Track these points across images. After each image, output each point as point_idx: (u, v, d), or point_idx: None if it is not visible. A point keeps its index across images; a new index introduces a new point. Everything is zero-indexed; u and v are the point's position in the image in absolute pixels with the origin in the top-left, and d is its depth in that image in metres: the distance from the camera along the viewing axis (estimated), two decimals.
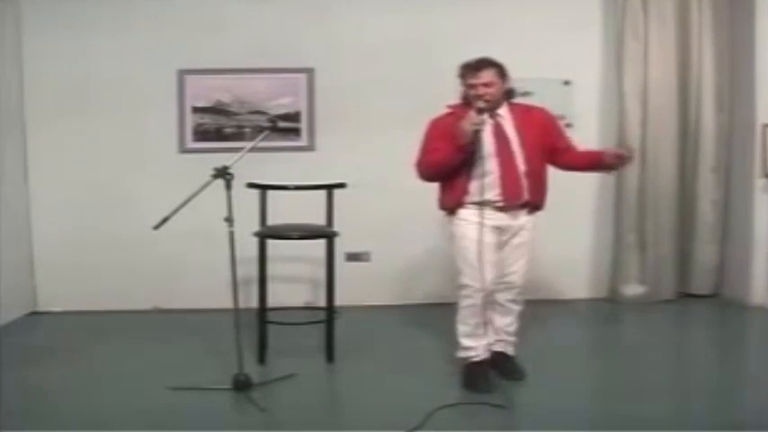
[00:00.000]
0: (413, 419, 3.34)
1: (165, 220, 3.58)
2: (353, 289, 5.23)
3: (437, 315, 5.25)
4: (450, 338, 4.68)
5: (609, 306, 5.64)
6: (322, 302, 4.46)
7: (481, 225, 3.65)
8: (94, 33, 5.44)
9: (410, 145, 5.44)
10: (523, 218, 3.77)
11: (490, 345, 3.88)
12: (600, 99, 5.71)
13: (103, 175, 5.50)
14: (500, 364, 3.93)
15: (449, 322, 5.12)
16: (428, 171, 3.80)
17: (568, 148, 3.87)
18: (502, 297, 3.86)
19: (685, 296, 5.72)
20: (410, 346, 4.61)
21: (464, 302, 3.77)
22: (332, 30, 5.52)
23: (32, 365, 4.23)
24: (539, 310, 5.37)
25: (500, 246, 3.76)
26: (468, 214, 3.71)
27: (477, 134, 3.57)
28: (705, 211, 5.66)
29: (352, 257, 5.50)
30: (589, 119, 5.66)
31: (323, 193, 4.38)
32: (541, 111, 3.89)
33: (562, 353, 4.45)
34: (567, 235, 5.63)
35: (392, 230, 5.48)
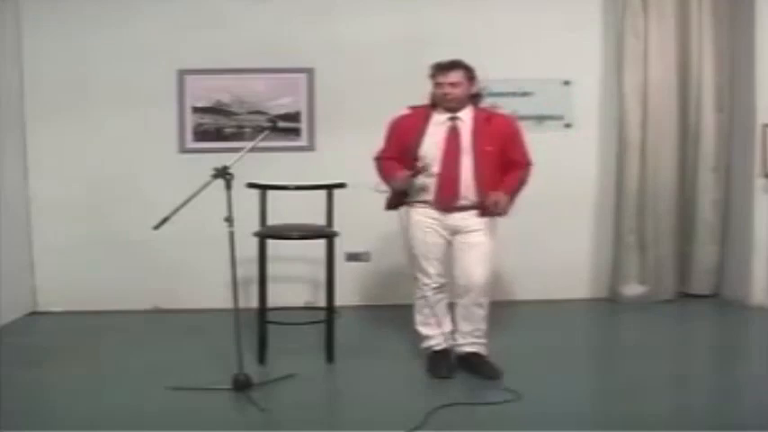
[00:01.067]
0: (413, 419, 3.34)
1: (165, 220, 3.58)
2: (353, 289, 5.23)
3: None
4: None
5: (609, 306, 5.64)
6: (322, 302, 4.46)
7: (426, 221, 3.87)
8: (94, 33, 5.44)
9: None
10: (471, 220, 3.86)
11: (460, 346, 3.98)
12: (600, 99, 5.70)
13: (103, 175, 5.50)
14: (474, 365, 3.96)
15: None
16: (379, 173, 4.05)
17: (512, 165, 3.91)
18: (462, 302, 3.91)
19: (685, 296, 5.72)
20: (410, 347, 4.60)
21: (416, 294, 4.01)
22: (332, 30, 5.52)
23: (32, 365, 4.23)
24: (539, 310, 5.40)
25: (451, 245, 3.90)
26: (412, 212, 3.91)
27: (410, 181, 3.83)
28: (705, 211, 5.66)
29: (352, 257, 5.50)
30: (589, 119, 5.66)
31: (323, 193, 4.37)
32: (505, 118, 4.01)
33: (562, 353, 4.45)
34: (567, 235, 5.63)
35: (392, 230, 5.46)
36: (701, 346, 4.78)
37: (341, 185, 4.37)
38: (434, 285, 3.94)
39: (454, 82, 3.83)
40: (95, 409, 3.56)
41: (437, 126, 3.88)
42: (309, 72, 5.55)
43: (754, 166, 5.38)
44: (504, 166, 3.88)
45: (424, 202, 3.88)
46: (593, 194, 5.75)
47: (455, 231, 3.88)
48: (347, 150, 5.44)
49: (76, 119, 5.47)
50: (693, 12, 5.54)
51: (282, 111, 5.54)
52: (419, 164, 3.79)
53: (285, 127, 5.47)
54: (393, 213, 5.39)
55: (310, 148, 5.59)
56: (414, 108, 3.99)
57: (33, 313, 5.49)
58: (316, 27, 5.52)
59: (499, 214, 3.83)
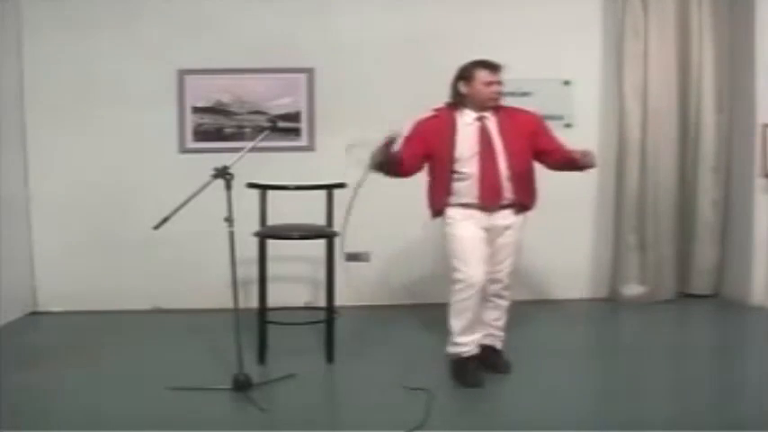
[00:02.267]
0: (413, 419, 3.34)
1: (165, 220, 3.58)
2: (353, 289, 5.23)
3: (437, 315, 5.24)
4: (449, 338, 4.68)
5: (609, 306, 5.64)
6: (322, 302, 4.45)
7: (469, 222, 3.79)
8: (94, 33, 5.44)
9: None
10: (510, 218, 3.86)
11: (481, 341, 3.97)
12: (600, 99, 5.71)
13: (104, 175, 5.50)
14: (488, 358, 3.99)
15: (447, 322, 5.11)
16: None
17: (556, 149, 3.91)
18: (490, 289, 3.92)
19: (685, 296, 5.72)
20: (410, 347, 4.61)
21: (457, 297, 3.83)
22: (332, 29, 5.52)
23: (32, 365, 4.23)
24: (539, 310, 5.39)
25: (489, 242, 3.85)
26: (455, 212, 3.82)
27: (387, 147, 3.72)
28: (705, 211, 5.66)
29: (352, 257, 5.50)
30: (589, 119, 5.66)
31: (323, 193, 4.37)
32: (528, 113, 3.95)
33: (562, 353, 4.44)
34: (568, 235, 5.63)
35: (392, 230, 5.48)
36: (701, 346, 4.78)
37: (341, 185, 4.37)
38: (478, 288, 3.78)
39: (501, 81, 3.83)
40: (95, 409, 3.57)
41: (466, 127, 3.82)
42: (309, 72, 5.55)
43: (754, 166, 5.38)
44: (538, 159, 3.90)
45: (466, 204, 3.80)
46: (593, 194, 5.75)
47: (494, 231, 3.84)
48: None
49: (76, 119, 5.47)
50: (693, 12, 5.55)
51: (282, 111, 5.54)
52: (387, 135, 3.73)
53: (285, 127, 5.47)
54: (393, 214, 5.44)
55: (310, 148, 5.59)
56: (437, 110, 3.92)
57: (33, 313, 5.49)
58: (316, 27, 5.52)
59: (590, 166, 3.74)
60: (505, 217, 3.84)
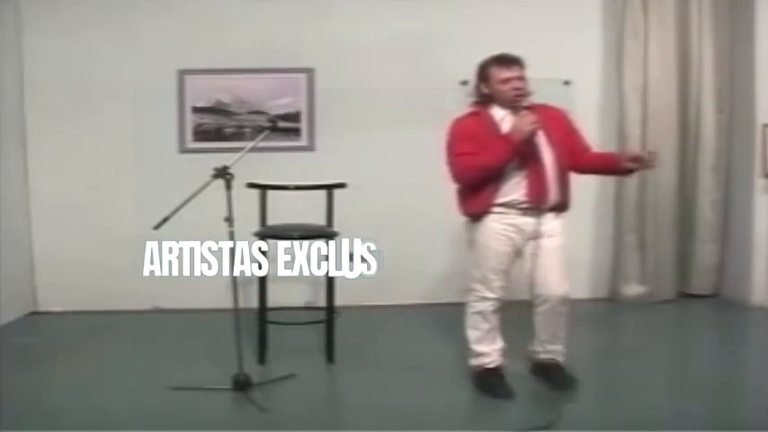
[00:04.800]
0: (413, 420, 3.34)
1: (165, 220, 3.58)
2: (353, 289, 5.23)
3: (437, 315, 5.25)
4: (449, 338, 4.69)
5: (609, 306, 5.64)
6: (322, 302, 4.45)
7: (502, 232, 3.57)
8: (94, 33, 5.44)
9: (410, 145, 5.49)
10: (553, 221, 3.63)
11: (536, 353, 3.77)
12: (600, 99, 5.71)
13: (103, 175, 5.50)
14: (549, 373, 3.76)
15: (448, 322, 5.11)
16: (476, 175, 3.55)
17: (586, 149, 3.78)
18: (540, 309, 3.65)
19: (685, 296, 5.72)
20: (410, 346, 4.61)
21: (473, 308, 3.70)
22: (332, 30, 5.52)
23: (32, 365, 4.23)
24: None
25: (523, 250, 3.62)
26: (490, 220, 3.58)
27: (532, 134, 3.46)
28: (705, 211, 5.66)
29: (352, 257, 5.50)
30: (589, 119, 5.63)
31: (323, 193, 4.37)
32: (561, 111, 3.78)
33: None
34: (567, 235, 5.61)
35: (392, 230, 5.47)
36: (701, 347, 4.78)
37: (341, 185, 4.37)
38: (497, 300, 3.66)
39: (521, 76, 3.56)
40: (95, 409, 3.56)
41: (504, 123, 3.58)
42: (309, 72, 5.55)
43: (754, 166, 5.38)
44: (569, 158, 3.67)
45: (506, 204, 3.56)
46: (593, 194, 5.75)
47: (532, 236, 3.56)
48: (347, 150, 5.45)
49: (76, 119, 5.47)
50: (693, 12, 5.55)
51: (282, 111, 5.54)
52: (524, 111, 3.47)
53: (285, 127, 5.47)
54: (393, 214, 5.44)
55: (310, 148, 5.59)
56: (472, 110, 3.70)
57: (33, 313, 5.49)
58: (316, 27, 5.52)
59: (652, 166, 3.62)
60: (550, 220, 3.61)
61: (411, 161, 5.49)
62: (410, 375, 4.04)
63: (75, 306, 5.45)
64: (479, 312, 3.69)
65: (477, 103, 3.70)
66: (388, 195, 5.47)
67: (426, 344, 4.65)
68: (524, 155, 3.50)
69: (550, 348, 3.75)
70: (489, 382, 3.69)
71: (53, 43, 5.42)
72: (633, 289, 5.66)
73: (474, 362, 3.77)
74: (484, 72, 3.65)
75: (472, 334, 3.74)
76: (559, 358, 3.78)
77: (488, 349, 3.72)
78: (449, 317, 5.22)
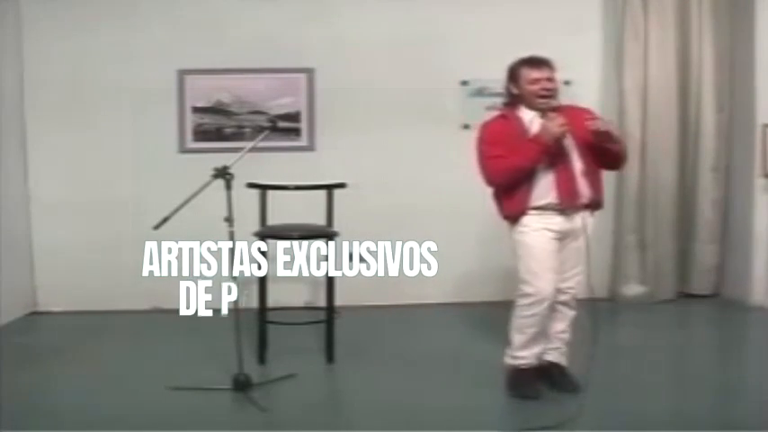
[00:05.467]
0: (413, 419, 3.34)
1: (165, 220, 3.58)
2: (353, 289, 5.23)
3: (437, 315, 5.26)
4: (449, 337, 4.70)
5: (609, 306, 5.64)
6: (322, 302, 4.45)
7: (543, 231, 3.56)
8: (94, 33, 5.44)
9: (411, 145, 5.50)
10: (586, 219, 3.65)
11: (542, 353, 3.74)
12: (600, 99, 5.69)
13: (103, 175, 5.50)
14: (553, 376, 3.74)
15: (449, 322, 5.12)
16: (509, 177, 3.57)
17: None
18: (557, 300, 3.65)
19: (685, 296, 5.72)
20: (410, 346, 4.61)
21: (525, 312, 3.59)
22: (332, 29, 5.52)
23: (32, 365, 4.23)
24: None
25: (560, 250, 3.63)
26: (530, 221, 3.57)
27: (561, 136, 3.48)
28: (705, 211, 5.66)
29: (353, 257, 5.50)
30: None
31: (323, 193, 4.37)
32: (585, 109, 3.78)
33: None
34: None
35: (392, 230, 5.47)
36: (701, 346, 4.78)
37: (341, 185, 4.37)
38: (548, 304, 3.57)
39: (550, 77, 3.61)
40: (95, 409, 3.56)
41: (532, 125, 3.59)
42: (309, 72, 5.55)
43: (754, 166, 5.38)
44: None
45: (543, 207, 3.56)
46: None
47: (567, 235, 3.61)
48: (347, 150, 5.45)
49: (76, 119, 5.47)
50: (693, 12, 5.54)
51: (282, 111, 5.54)
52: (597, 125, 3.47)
53: (285, 127, 5.47)
54: (393, 213, 5.44)
55: (310, 148, 5.59)
56: (501, 112, 3.74)
57: (33, 313, 5.49)
58: (316, 27, 5.52)
59: (607, 136, 3.51)
60: (583, 218, 3.62)
61: (411, 161, 5.49)
62: (410, 375, 4.04)
63: (75, 306, 5.45)
64: (531, 316, 3.58)
65: (506, 105, 3.74)
66: (388, 195, 5.47)
67: (426, 344, 4.65)
68: (553, 156, 3.52)
69: (558, 346, 3.75)
70: (520, 382, 3.67)
71: (53, 43, 5.42)
72: (633, 289, 5.65)
73: (510, 361, 3.72)
74: (514, 73, 3.68)
75: (518, 337, 3.65)
76: (563, 361, 3.78)
77: (528, 353, 3.66)
78: (449, 317, 5.24)
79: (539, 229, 3.56)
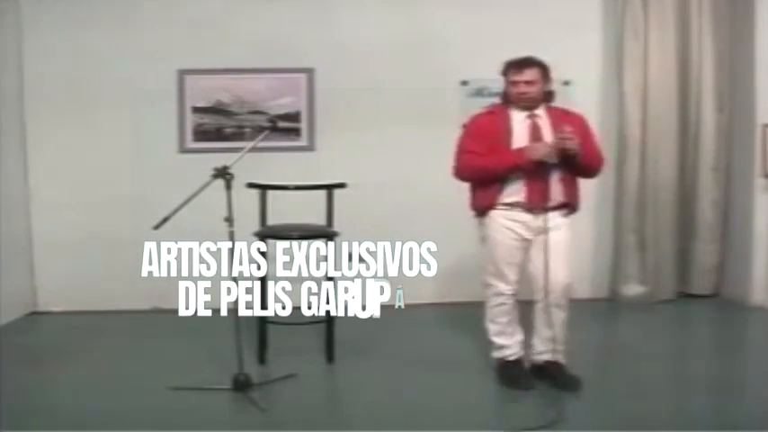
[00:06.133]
0: (413, 419, 3.34)
1: (165, 220, 3.58)
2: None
3: (437, 315, 5.26)
4: (449, 337, 4.70)
5: (609, 306, 5.64)
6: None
7: (510, 228, 3.67)
8: (95, 33, 5.44)
9: (411, 145, 5.49)
10: (558, 219, 3.70)
11: (539, 354, 3.79)
12: (600, 99, 5.70)
13: (103, 175, 5.50)
14: (552, 375, 3.76)
15: (449, 321, 5.12)
16: (475, 175, 3.73)
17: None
18: (541, 304, 3.71)
19: (685, 296, 5.72)
20: (410, 346, 4.61)
21: (491, 302, 3.80)
22: (332, 30, 5.52)
23: (32, 365, 4.23)
24: None
25: (531, 247, 3.70)
26: (497, 215, 3.70)
27: (548, 157, 3.57)
28: (705, 211, 5.66)
29: (352, 257, 5.49)
30: (589, 119, 5.62)
31: (323, 193, 4.37)
32: (576, 114, 3.86)
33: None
34: (572, 231, 5.61)
35: (392, 230, 5.46)
36: (701, 346, 4.78)
37: (341, 185, 4.37)
38: (513, 292, 3.75)
39: (530, 80, 3.69)
40: (95, 408, 3.57)
41: (519, 124, 3.70)
42: (309, 72, 5.55)
43: (754, 166, 5.38)
44: None
45: (510, 204, 3.67)
46: (593, 194, 5.73)
47: (539, 232, 3.67)
48: (347, 150, 5.45)
49: (76, 119, 5.47)
50: (693, 12, 5.55)
51: (282, 111, 5.54)
52: (559, 135, 3.57)
53: (285, 127, 5.47)
54: (393, 213, 5.43)
55: (310, 148, 5.59)
56: (490, 108, 3.86)
57: (33, 313, 5.49)
58: (316, 27, 5.52)
59: (564, 152, 3.56)
60: (553, 218, 3.67)
61: (411, 161, 5.49)
62: (410, 375, 4.04)
63: (75, 306, 5.45)
64: (497, 306, 3.77)
65: (502, 102, 3.81)
66: (388, 195, 5.47)
67: (426, 343, 4.66)
68: (530, 170, 3.60)
69: (553, 347, 3.75)
70: (510, 374, 3.78)
71: (53, 43, 5.41)
72: (633, 289, 5.66)
73: (495, 354, 3.86)
74: (503, 72, 3.77)
75: (492, 327, 3.83)
76: (561, 359, 3.79)
77: (509, 342, 3.80)
78: (449, 316, 5.25)
79: (505, 225, 3.68)
